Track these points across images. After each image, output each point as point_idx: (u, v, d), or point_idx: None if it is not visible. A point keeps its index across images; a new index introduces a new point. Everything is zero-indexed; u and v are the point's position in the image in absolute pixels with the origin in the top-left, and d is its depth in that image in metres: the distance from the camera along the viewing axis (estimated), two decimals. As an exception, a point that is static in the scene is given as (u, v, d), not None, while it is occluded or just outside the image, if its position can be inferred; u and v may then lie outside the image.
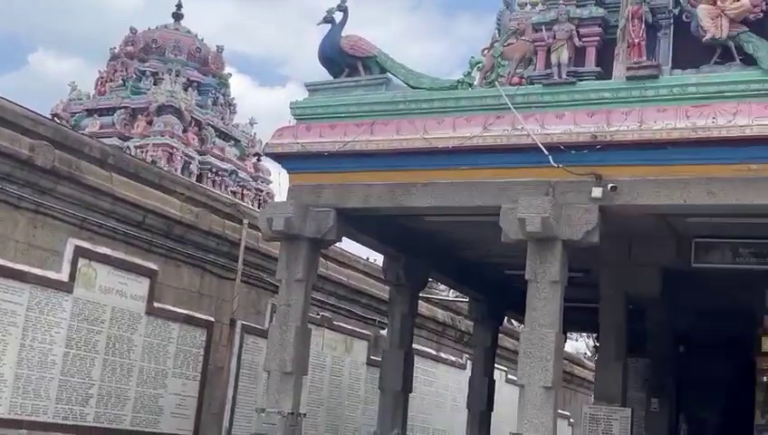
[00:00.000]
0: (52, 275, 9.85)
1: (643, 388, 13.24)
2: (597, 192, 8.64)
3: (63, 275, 9.98)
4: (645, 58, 8.78)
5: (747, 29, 8.60)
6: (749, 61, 8.52)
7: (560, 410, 10.00)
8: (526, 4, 10.67)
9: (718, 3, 8.65)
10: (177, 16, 28.07)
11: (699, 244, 10.39)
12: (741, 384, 12.70)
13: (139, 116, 24.46)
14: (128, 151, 19.46)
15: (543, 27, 9.33)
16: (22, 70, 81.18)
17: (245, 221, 12.53)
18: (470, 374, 15.20)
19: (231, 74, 28.37)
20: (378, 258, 14.36)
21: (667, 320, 12.62)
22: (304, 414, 10.13)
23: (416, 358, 13.36)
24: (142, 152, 22.50)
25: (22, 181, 9.56)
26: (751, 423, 11.30)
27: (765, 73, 8.28)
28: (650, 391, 13.05)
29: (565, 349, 22.14)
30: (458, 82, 9.74)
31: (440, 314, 18.31)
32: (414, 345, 13.03)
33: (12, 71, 79.91)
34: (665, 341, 13.04)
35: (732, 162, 8.28)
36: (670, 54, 8.94)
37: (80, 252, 10.17)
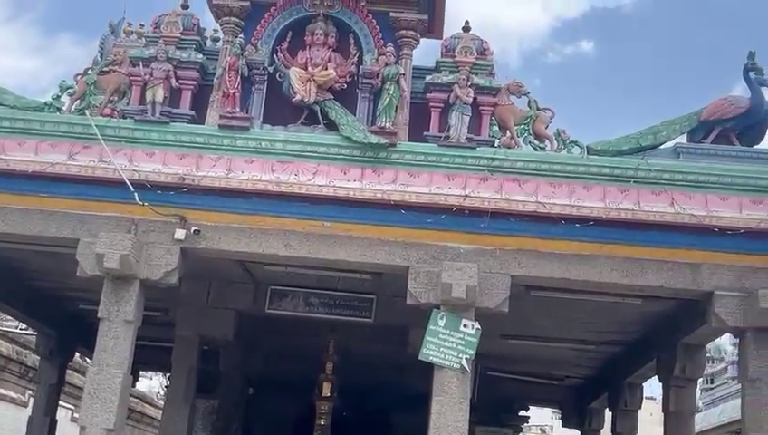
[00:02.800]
0: None
1: (211, 429, 13.37)
2: (180, 234, 8.70)
3: None
4: (238, 109, 9.07)
5: (332, 97, 9.29)
6: (332, 126, 9.19)
7: (123, 453, 9.72)
8: (132, 32, 10.47)
9: (309, 68, 9.26)
10: None
11: (275, 291, 10.88)
12: (304, 426, 13.40)
13: None
14: None
15: (141, 62, 9.21)
16: None
17: None
18: (30, 413, 14.19)
19: None
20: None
21: (239, 362, 12.93)
22: None
23: (-32, 395, 12.16)
24: None
25: None
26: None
27: (344, 140, 8.98)
28: (217, 433, 13.23)
29: (139, 388, 21.68)
30: (46, 104, 9.23)
31: (4, 347, 16.90)
32: (-32, 381, 11.86)
33: None
34: (236, 382, 13.33)
35: (308, 218, 8.85)
36: (262, 109, 9.32)
37: None
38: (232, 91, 9.07)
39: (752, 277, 8.58)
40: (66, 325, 13.65)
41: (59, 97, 9.36)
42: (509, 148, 9.10)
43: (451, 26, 9.93)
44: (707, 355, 25.56)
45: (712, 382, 27.93)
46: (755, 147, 9.17)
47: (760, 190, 8.76)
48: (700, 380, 12.94)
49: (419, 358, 8.70)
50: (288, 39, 9.53)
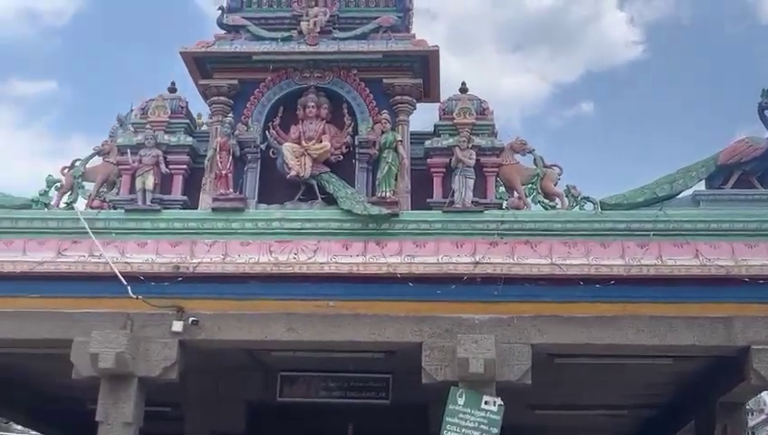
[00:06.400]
0: None
1: None
2: (177, 326, 8.24)
3: None
4: (231, 190, 8.72)
5: (329, 169, 8.92)
6: (330, 200, 8.80)
7: None
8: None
9: (302, 142, 8.91)
10: None
11: (285, 378, 10.33)
12: None
13: None
14: None
15: (129, 150, 8.90)
16: None
17: None
18: None
19: None
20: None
21: (255, 455, 12.31)
22: None
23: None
24: None
25: None
26: None
27: (344, 213, 8.58)
28: None
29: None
30: (33, 201, 8.92)
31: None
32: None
33: None
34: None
35: (311, 298, 8.37)
36: (257, 188, 8.96)
37: None
38: (224, 173, 8.74)
39: (790, 328, 7.99)
40: (74, 427, 13.08)
41: (47, 192, 9.05)
42: (518, 209, 8.68)
43: (449, 91, 9.57)
44: (746, 407, 24.72)
45: (753, 435, 26.78)
46: (778, 188, 8.68)
47: (788, 234, 8.25)
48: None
49: (440, 441, 8.10)
50: (279, 114, 9.24)
